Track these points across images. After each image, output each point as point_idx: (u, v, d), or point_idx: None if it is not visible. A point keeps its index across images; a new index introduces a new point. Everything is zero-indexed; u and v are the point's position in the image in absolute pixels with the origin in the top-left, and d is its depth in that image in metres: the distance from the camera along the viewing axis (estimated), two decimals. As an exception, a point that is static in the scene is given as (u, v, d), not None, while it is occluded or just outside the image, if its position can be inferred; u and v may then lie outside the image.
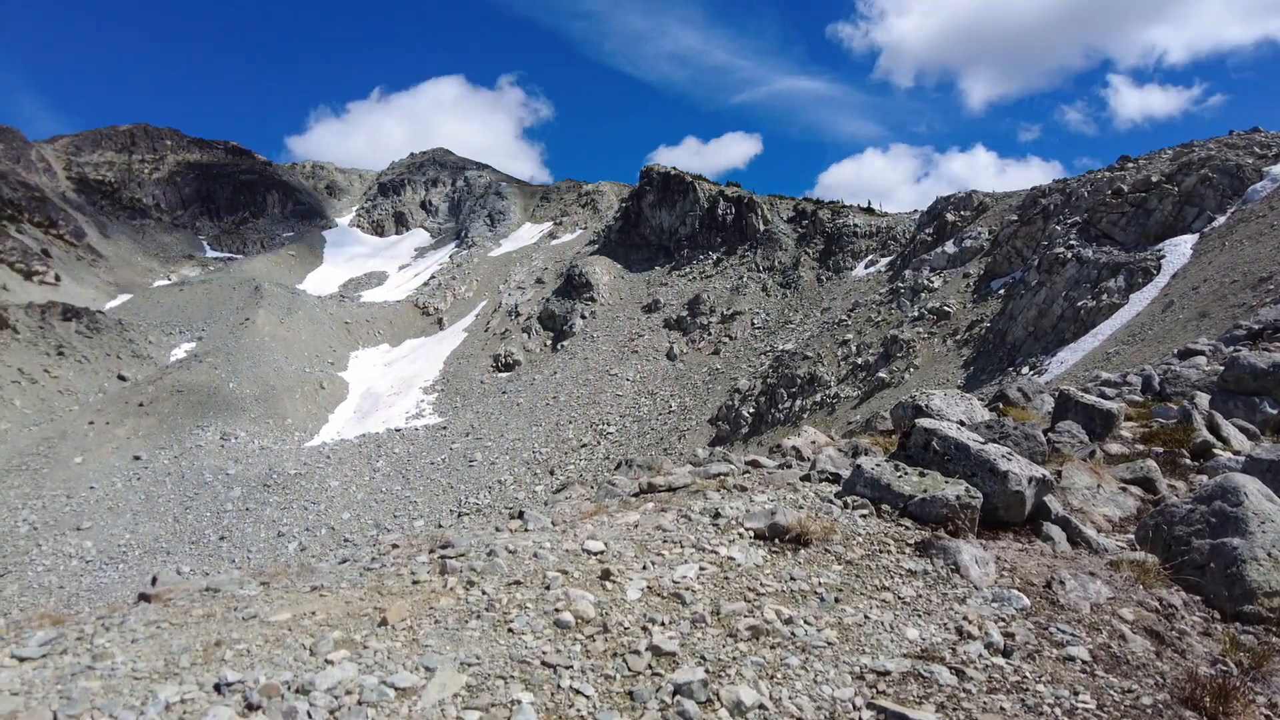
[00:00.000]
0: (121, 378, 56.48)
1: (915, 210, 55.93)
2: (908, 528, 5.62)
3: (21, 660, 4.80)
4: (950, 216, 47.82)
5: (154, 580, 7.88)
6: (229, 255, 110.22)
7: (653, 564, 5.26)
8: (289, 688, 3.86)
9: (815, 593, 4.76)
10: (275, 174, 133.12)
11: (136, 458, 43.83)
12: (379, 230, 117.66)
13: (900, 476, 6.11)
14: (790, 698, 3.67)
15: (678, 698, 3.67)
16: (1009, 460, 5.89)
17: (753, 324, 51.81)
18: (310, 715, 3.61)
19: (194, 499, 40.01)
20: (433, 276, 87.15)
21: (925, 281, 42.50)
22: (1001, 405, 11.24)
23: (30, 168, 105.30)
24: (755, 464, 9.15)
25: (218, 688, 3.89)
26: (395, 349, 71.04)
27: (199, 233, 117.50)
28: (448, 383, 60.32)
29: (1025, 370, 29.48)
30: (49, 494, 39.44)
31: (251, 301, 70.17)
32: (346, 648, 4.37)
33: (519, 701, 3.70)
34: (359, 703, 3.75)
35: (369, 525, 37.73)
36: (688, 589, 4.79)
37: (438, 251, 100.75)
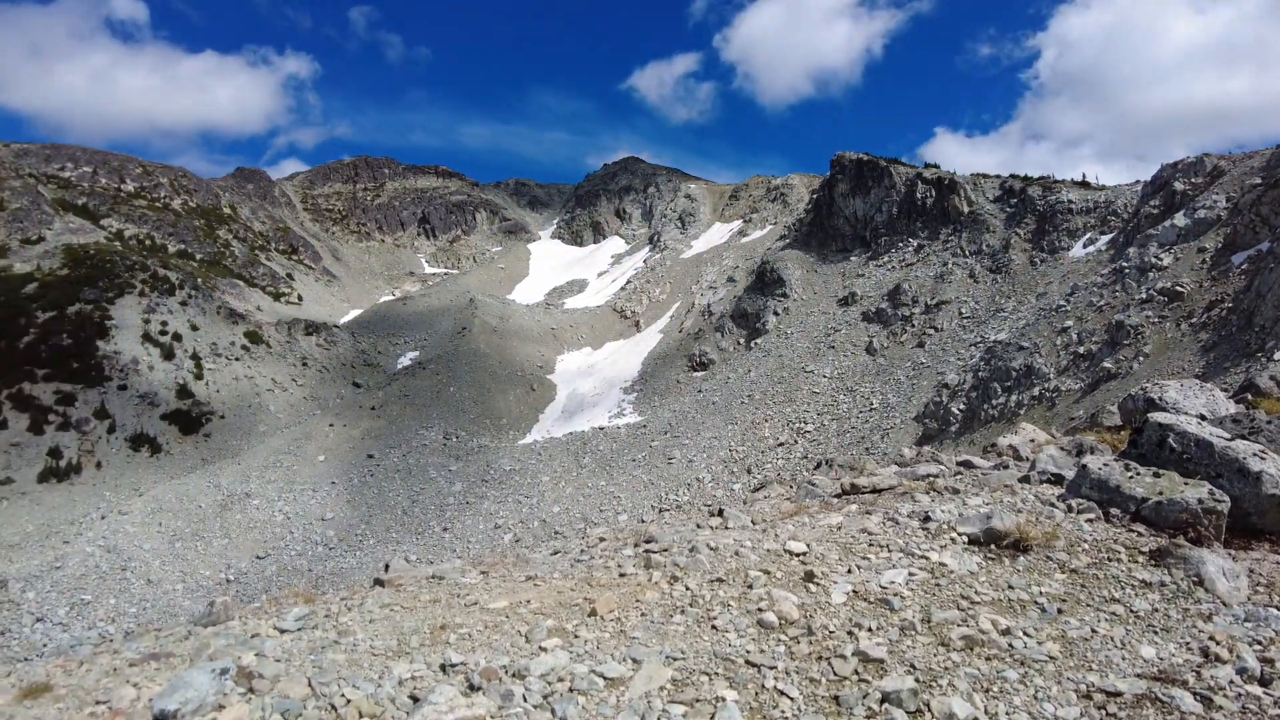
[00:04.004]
0: (356, 385, 62.86)
1: (1137, 181, 50.32)
2: (1140, 534, 5.17)
3: (282, 632, 5.58)
4: (1179, 185, 42.61)
5: (387, 567, 8.79)
6: (446, 271, 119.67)
7: (858, 567, 5.21)
8: (506, 672, 4.21)
9: (1035, 603, 4.52)
10: (482, 194, 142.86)
11: (370, 456, 48.55)
12: (578, 240, 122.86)
13: (1131, 477, 5.63)
14: (1007, 713, 3.51)
15: (886, 706, 3.61)
16: (1262, 459, 5.24)
17: (960, 313, 48.87)
18: (525, 699, 3.92)
19: (420, 493, 43.70)
20: (629, 281, 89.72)
21: (1153, 259, 38.11)
22: (1250, 396, 9.91)
23: (275, 203, 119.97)
24: (968, 464, 8.75)
25: (443, 668, 4.31)
26: (597, 351, 73.89)
27: (418, 251, 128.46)
28: (646, 383, 61.90)
29: (1278, 356, 25.72)
30: (299, 488, 44.57)
31: (467, 312, 75.75)
32: (559, 636, 4.70)
33: (723, 699, 3.81)
34: (570, 690, 4.02)
35: (577, 519, 39.49)
36: (896, 594, 4.70)
37: (633, 256, 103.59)
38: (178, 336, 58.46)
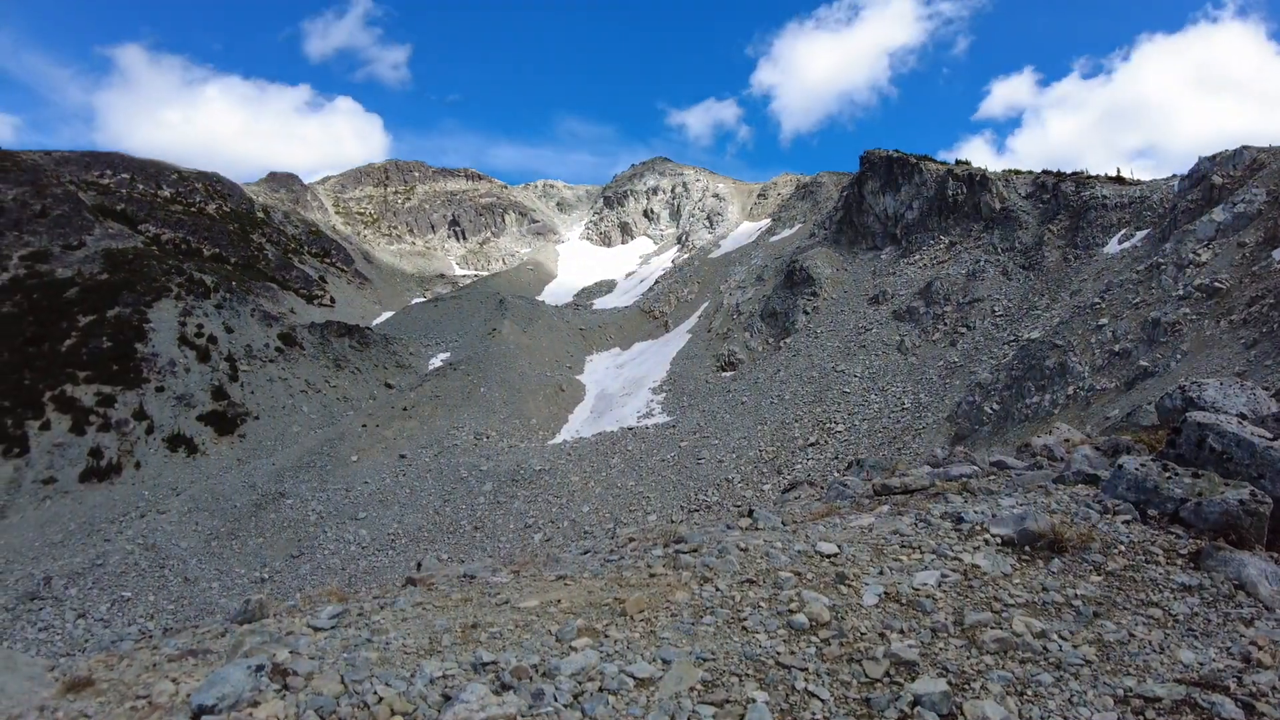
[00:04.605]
0: (388, 385, 63.52)
1: (1173, 175, 49.31)
2: (1179, 536, 5.07)
3: (315, 630, 5.66)
4: (1217, 178, 41.62)
5: (419, 566, 8.88)
6: (475, 272, 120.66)
7: (890, 569, 5.17)
8: (537, 671, 4.23)
9: (1071, 605, 4.45)
10: (511, 196, 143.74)
11: (402, 456, 49.02)
12: (606, 241, 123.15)
13: (1170, 478, 5.52)
14: (1042, 718, 3.45)
15: (918, 709, 3.57)
16: (1308, 461, 5.13)
17: (993, 311, 48.24)
18: (555, 698, 3.94)
19: (451, 493, 44.02)
20: (657, 281, 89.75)
21: (1191, 255, 37.27)
22: (1297, 395, 9.69)
23: (307, 207, 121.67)
24: (1001, 465, 8.65)
25: (474, 666, 4.35)
26: (625, 352, 74.00)
27: (448, 253, 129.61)
28: (674, 383, 61.86)
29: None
30: (332, 488, 45.10)
31: (497, 314, 76.25)
32: (589, 635, 4.71)
33: (754, 700, 3.80)
34: (600, 689, 4.03)
35: (606, 519, 39.56)
36: (928, 596, 4.66)
37: (661, 257, 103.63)
38: (213, 339, 59.50)
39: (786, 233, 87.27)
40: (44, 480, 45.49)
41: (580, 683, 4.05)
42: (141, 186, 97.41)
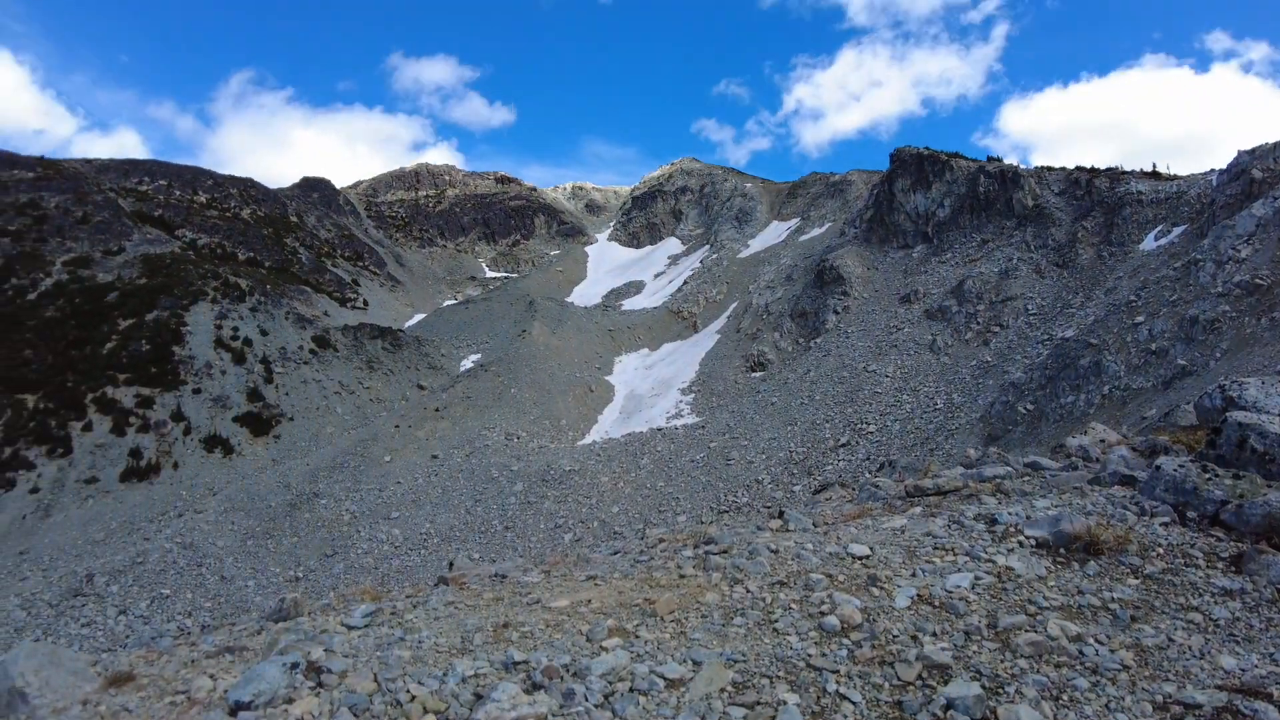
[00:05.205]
0: (420, 387, 64.10)
1: (1210, 170, 48.17)
2: (1219, 539, 4.96)
3: (349, 628, 5.73)
4: (1257, 172, 40.60)
5: (451, 565, 8.96)
6: (505, 275, 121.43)
7: (922, 571, 5.11)
8: (568, 670, 4.25)
9: (1107, 609, 4.37)
10: (540, 198, 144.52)
11: (434, 456, 49.45)
12: (635, 242, 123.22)
13: (1209, 479, 5.40)
14: (1079, 722, 3.41)
15: (950, 713, 3.53)
16: (1355, 463, 4.99)
17: (1026, 310, 47.53)
18: (586, 698, 3.95)
19: (482, 493, 44.32)
20: (686, 282, 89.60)
21: (1230, 251, 36.39)
22: (1344, 395, 9.42)
23: (339, 211, 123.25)
24: (1035, 466, 8.52)
25: (506, 666, 4.37)
26: (654, 353, 74.00)
27: (478, 256, 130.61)
28: (703, 384, 61.74)
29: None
30: (365, 488, 45.62)
31: (527, 315, 76.66)
32: (619, 636, 4.72)
33: (784, 702, 3.78)
34: (630, 690, 4.03)
35: (635, 519, 39.59)
36: (961, 599, 4.61)
37: (689, 257, 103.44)
38: (248, 341, 60.47)
39: (816, 232, 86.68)
40: (86, 480, 46.57)
41: (611, 683, 4.06)
42: (178, 192, 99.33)
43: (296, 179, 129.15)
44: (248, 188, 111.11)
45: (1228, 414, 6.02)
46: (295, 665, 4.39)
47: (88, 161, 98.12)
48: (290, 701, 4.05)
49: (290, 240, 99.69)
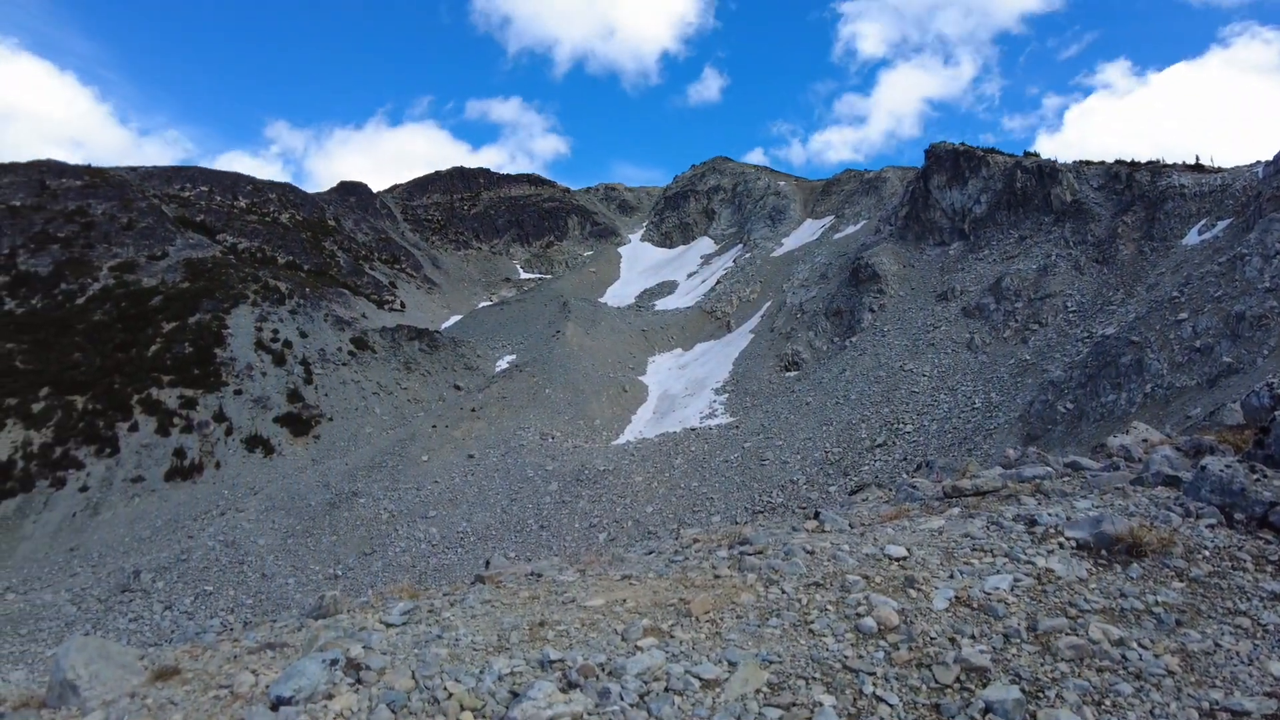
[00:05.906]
0: (457, 387, 64.71)
1: (1257, 162, 46.77)
2: (1268, 541, 4.83)
3: (387, 626, 5.81)
4: (1310, 162, 39.44)
5: (487, 563, 9.03)
6: (539, 276, 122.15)
7: (960, 573, 5.05)
8: (603, 670, 4.26)
9: (1151, 613, 4.28)
10: (573, 199, 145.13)
11: (470, 456, 49.88)
12: (668, 241, 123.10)
13: (1258, 480, 5.26)
14: (1122, 728, 3.35)
15: (989, 716, 3.47)
16: None
17: (1065, 307, 46.62)
18: (622, 697, 3.95)
19: (518, 492, 44.61)
20: (719, 281, 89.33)
21: (1277, 245, 35.41)
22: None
23: (376, 214, 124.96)
24: (1076, 466, 8.37)
25: (542, 664, 4.40)
26: (687, 353, 73.90)
27: (513, 258, 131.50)
28: (737, 383, 61.52)
29: None
30: (403, 487, 46.17)
31: (561, 316, 77.03)
32: (654, 635, 4.72)
33: (820, 704, 3.75)
34: (666, 690, 4.03)
35: (670, 519, 39.56)
36: (1000, 601, 4.54)
37: (722, 257, 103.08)
38: (288, 343, 61.54)
39: (850, 229, 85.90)
40: (133, 479, 47.74)
41: (646, 682, 4.07)
42: (219, 198, 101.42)
43: (334, 183, 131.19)
44: (286, 192, 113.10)
45: (1276, 412, 5.86)
46: (335, 662, 4.47)
47: (132, 169, 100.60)
48: (330, 697, 4.13)
49: (328, 244, 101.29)
